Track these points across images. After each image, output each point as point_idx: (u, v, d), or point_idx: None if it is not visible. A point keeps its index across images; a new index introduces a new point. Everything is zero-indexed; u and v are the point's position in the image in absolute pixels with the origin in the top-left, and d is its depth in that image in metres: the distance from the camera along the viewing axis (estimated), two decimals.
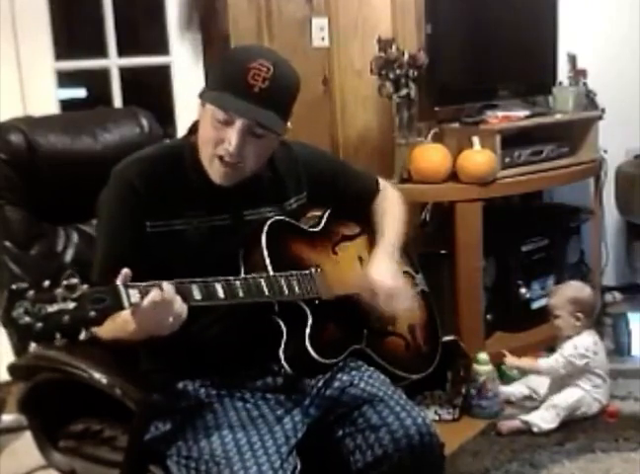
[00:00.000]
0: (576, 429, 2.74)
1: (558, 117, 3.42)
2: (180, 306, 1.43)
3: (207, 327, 1.61)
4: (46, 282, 1.27)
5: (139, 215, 1.60)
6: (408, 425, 1.60)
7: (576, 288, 2.95)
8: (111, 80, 2.99)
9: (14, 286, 1.25)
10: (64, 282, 1.28)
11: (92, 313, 1.29)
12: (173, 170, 1.65)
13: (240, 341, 1.63)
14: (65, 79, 2.98)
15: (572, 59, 3.58)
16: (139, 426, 1.64)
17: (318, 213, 1.90)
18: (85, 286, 1.30)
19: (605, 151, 3.56)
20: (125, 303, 1.35)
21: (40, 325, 1.25)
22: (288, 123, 1.66)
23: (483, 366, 2.90)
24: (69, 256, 1.94)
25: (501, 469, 2.54)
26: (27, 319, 1.24)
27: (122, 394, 1.62)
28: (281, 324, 1.63)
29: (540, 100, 3.62)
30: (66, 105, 2.99)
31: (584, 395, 2.78)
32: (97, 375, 1.64)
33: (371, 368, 1.75)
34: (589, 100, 3.56)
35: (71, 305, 1.27)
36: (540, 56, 3.53)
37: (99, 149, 2.00)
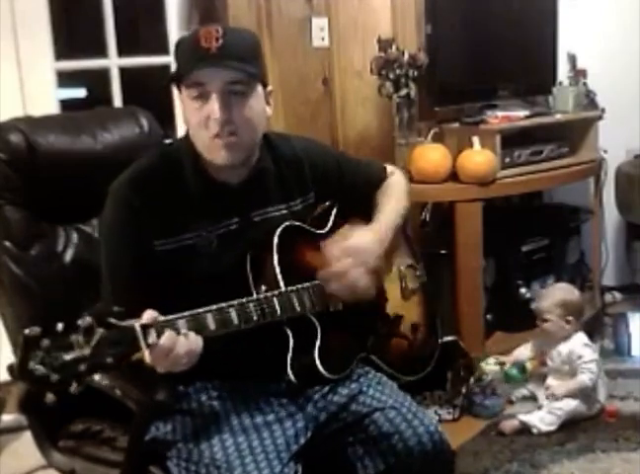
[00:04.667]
0: (576, 429, 2.74)
1: (558, 117, 3.42)
2: (194, 343, 1.41)
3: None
4: (60, 326, 1.24)
5: (144, 236, 1.57)
6: (421, 432, 1.60)
7: (565, 291, 2.94)
8: (111, 80, 2.99)
9: (27, 332, 1.21)
10: (79, 323, 1.25)
11: (109, 359, 1.28)
12: (174, 179, 1.62)
13: (246, 347, 1.60)
14: (65, 79, 2.98)
15: (572, 59, 3.58)
16: (140, 426, 1.64)
17: (323, 209, 1.85)
18: (101, 330, 1.27)
19: (605, 151, 3.57)
20: (142, 345, 1.34)
21: (56, 376, 1.22)
22: (270, 87, 1.65)
23: (491, 366, 2.89)
24: (69, 256, 1.94)
25: (501, 469, 2.54)
26: (43, 370, 1.21)
27: (123, 395, 1.62)
28: (289, 334, 1.60)
29: (540, 100, 3.62)
30: (66, 105, 2.99)
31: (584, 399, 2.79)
32: (97, 376, 1.64)
33: (379, 374, 1.74)
34: (589, 100, 3.56)
35: (87, 352, 1.25)
36: (540, 56, 3.54)
37: (99, 149, 1.99)
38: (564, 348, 2.83)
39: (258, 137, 1.65)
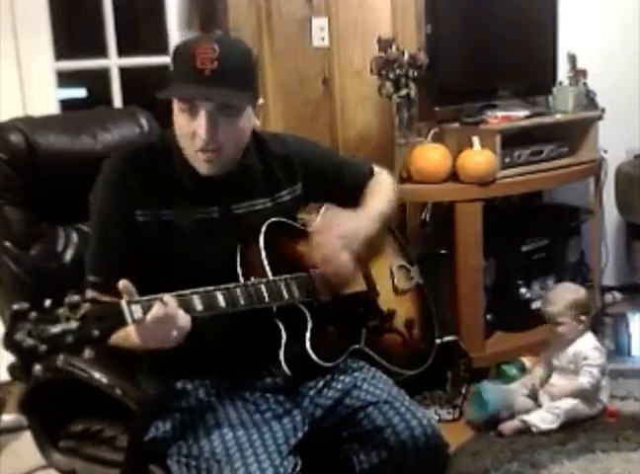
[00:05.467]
0: (576, 429, 2.74)
1: (558, 117, 3.42)
2: (183, 319, 1.42)
3: (206, 327, 1.60)
4: (47, 302, 1.25)
5: (130, 205, 1.61)
6: (414, 426, 1.60)
7: (573, 291, 2.93)
8: (111, 80, 2.99)
9: (16, 307, 1.23)
10: (66, 300, 1.26)
11: (95, 332, 1.28)
12: (162, 161, 1.67)
13: (239, 342, 1.63)
14: (65, 79, 2.98)
15: (572, 59, 3.57)
16: (140, 425, 1.64)
17: (313, 210, 1.89)
18: (87, 305, 1.28)
19: (605, 151, 3.56)
20: (129, 320, 1.35)
21: (44, 347, 1.23)
22: (260, 101, 1.67)
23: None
24: (69, 256, 1.94)
25: (501, 469, 2.54)
26: (30, 341, 1.22)
27: (123, 394, 1.62)
28: (281, 326, 1.63)
29: (540, 100, 3.62)
30: (66, 105, 2.99)
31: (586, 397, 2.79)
32: (97, 375, 1.64)
33: (373, 369, 1.75)
34: (589, 100, 3.56)
35: (74, 325, 1.26)
36: (540, 56, 3.53)
37: (99, 149, 1.99)
38: (571, 348, 2.83)
39: (240, 152, 1.67)
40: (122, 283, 1.36)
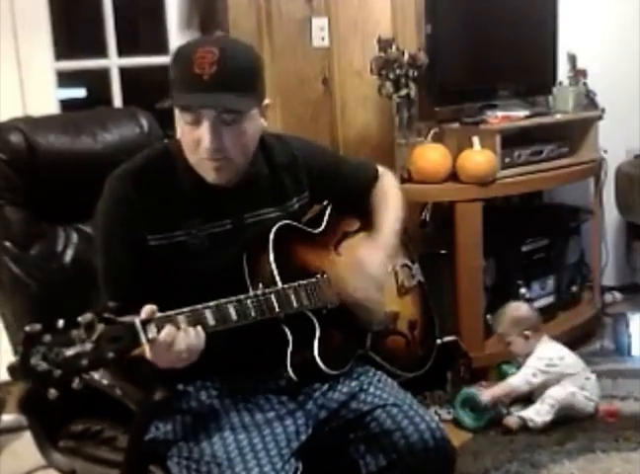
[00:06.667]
0: (576, 429, 2.74)
1: (558, 117, 3.42)
2: (196, 338, 1.42)
3: (212, 333, 1.58)
4: (60, 322, 1.24)
5: (139, 229, 1.58)
6: (422, 429, 1.60)
7: (512, 309, 2.98)
8: (111, 80, 2.99)
9: (28, 329, 1.21)
10: (80, 320, 1.25)
11: (110, 354, 1.28)
12: (168, 177, 1.62)
13: (244, 346, 1.60)
14: (65, 79, 2.98)
15: (572, 59, 3.58)
16: (140, 426, 1.64)
17: (317, 210, 1.87)
18: (102, 325, 1.27)
19: (605, 151, 3.57)
20: (143, 340, 1.34)
21: (59, 372, 1.22)
22: (267, 101, 1.61)
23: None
24: (69, 256, 1.94)
25: (501, 469, 2.54)
26: (45, 366, 1.21)
27: (123, 394, 1.62)
28: (287, 332, 1.61)
29: (540, 100, 3.62)
30: (66, 105, 2.99)
31: (574, 392, 2.78)
32: (97, 376, 1.64)
33: (379, 372, 1.74)
34: (589, 100, 3.56)
35: (89, 346, 1.25)
36: (540, 56, 3.53)
37: (99, 149, 1.99)
38: (533, 357, 2.87)
39: (250, 157, 1.63)
40: (147, 308, 1.36)
